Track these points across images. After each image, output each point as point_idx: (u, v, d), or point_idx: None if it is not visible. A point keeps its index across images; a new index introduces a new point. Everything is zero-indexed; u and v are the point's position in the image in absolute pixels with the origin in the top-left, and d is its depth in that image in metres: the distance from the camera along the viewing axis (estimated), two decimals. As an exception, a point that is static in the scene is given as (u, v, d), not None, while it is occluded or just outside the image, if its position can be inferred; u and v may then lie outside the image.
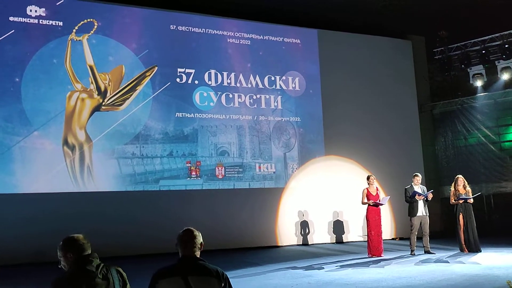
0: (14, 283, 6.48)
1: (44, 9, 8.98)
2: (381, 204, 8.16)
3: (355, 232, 10.92)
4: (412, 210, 8.15)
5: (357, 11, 11.17)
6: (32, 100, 8.71)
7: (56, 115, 8.85)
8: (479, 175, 11.89)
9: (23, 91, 8.67)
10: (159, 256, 8.69)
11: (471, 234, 8.03)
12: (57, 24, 9.06)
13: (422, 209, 8.11)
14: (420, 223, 8.12)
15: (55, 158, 8.72)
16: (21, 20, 8.80)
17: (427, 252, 8.04)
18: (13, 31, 8.69)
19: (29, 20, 8.87)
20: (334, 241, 10.72)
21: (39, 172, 8.57)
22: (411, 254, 8.04)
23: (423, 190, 8.22)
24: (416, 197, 8.04)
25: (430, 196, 8.15)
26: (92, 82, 9.22)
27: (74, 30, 9.15)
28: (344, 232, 10.87)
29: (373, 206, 8.10)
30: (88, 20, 9.28)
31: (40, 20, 8.95)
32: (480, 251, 7.95)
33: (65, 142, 8.86)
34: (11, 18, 8.73)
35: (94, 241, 8.98)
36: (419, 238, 8.22)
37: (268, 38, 10.95)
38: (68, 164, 8.82)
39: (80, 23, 9.21)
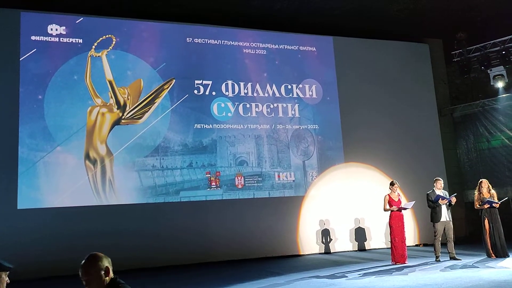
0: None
1: (64, 27, 9.22)
2: (405, 209, 8.04)
3: (378, 239, 10.77)
4: (435, 215, 8.00)
5: (372, 16, 11.13)
6: (55, 116, 8.92)
7: (77, 130, 9.03)
8: (504, 178, 11.63)
9: (45, 107, 8.89)
10: (181, 268, 8.77)
11: (497, 239, 7.84)
12: (77, 41, 9.28)
13: (445, 214, 7.96)
14: (444, 229, 7.96)
15: (77, 173, 8.88)
16: (42, 39, 9.06)
17: (452, 258, 7.88)
18: (35, 49, 8.95)
19: (50, 39, 9.11)
20: (357, 249, 10.60)
21: (62, 187, 8.73)
22: (436, 260, 7.89)
23: (445, 195, 8.07)
24: (440, 201, 7.90)
25: (453, 200, 7.99)
26: (111, 97, 9.40)
27: (93, 47, 9.36)
28: (366, 239, 10.74)
29: (396, 212, 7.99)
30: (107, 36, 9.49)
31: (61, 38, 9.19)
32: (508, 256, 7.75)
33: (87, 156, 9.03)
34: (33, 37, 8.99)
35: (117, 254, 9.09)
36: (444, 244, 8.06)
37: (284, 47, 11.00)
38: (90, 178, 8.97)
39: (99, 40, 9.42)
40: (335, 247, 10.48)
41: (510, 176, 11.64)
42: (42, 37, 9.07)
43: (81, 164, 8.96)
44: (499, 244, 7.83)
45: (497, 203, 7.95)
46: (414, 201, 8.43)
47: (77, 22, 9.34)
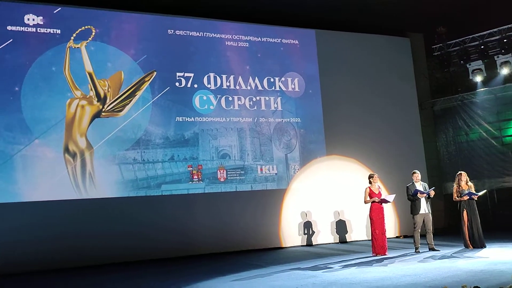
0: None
1: (41, 17, 9.00)
2: (386, 202, 8.11)
3: (359, 231, 10.89)
4: (414, 208, 8.12)
5: (354, 10, 11.17)
6: (32, 109, 8.73)
7: (56, 123, 8.86)
8: (482, 170, 11.87)
9: (23, 100, 8.69)
10: (162, 261, 8.73)
11: (475, 230, 7.99)
12: (55, 32, 9.08)
13: (424, 207, 8.08)
14: (423, 221, 8.09)
15: (56, 166, 8.73)
16: (19, 29, 8.83)
17: (431, 249, 8.02)
18: (11, 40, 8.72)
19: (27, 29, 8.89)
20: (338, 241, 10.70)
21: (41, 180, 8.57)
22: (415, 251, 8.01)
23: (425, 187, 8.18)
24: (419, 195, 8.02)
25: (432, 193, 8.11)
26: (91, 89, 9.24)
27: (72, 38, 9.17)
28: (347, 232, 10.84)
29: (376, 204, 8.06)
30: (86, 27, 9.31)
31: (38, 29, 8.97)
32: (485, 247, 7.92)
33: (66, 150, 8.87)
34: (9, 27, 8.76)
35: (96, 248, 8.98)
36: (423, 236, 8.19)
37: (266, 39, 10.96)
38: (69, 171, 8.82)
39: (78, 30, 9.23)
40: (317, 239, 10.56)
41: (488, 169, 11.88)
42: (19, 27, 8.84)
43: (60, 157, 8.80)
44: (476, 235, 7.99)
45: (476, 195, 8.09)
46: (394, 194, 8.52)
47: (55, 12, 9.13)
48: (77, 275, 7.62)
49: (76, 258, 8.38)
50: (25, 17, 8.90)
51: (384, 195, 8.19)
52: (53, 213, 8.47)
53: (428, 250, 8.02)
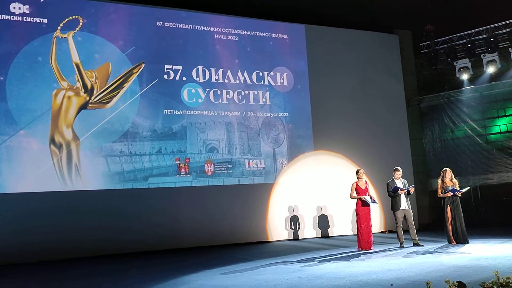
0: (0, 282, 6.40)
1: (28, 6, 8.85)
2: (367, 204, 8.11)
3: (345, 225, 10.98)
4: (395, 204, 8.25)
5: (344, 6, 11.18)
6: (17, 99, 8.59)
7: (42, 114, 8.74)
8: (466, 167, 12.04)
9: (8, 89, 8.55)
10: (149, 254, 8.70)
11: (459, 226, 8.12)
12: (41, 21, 8.93)
13: (404, 203, 8.21)
14: (404, 216, 8.21)
15: (42, 157, 8.62)
16: (4, 18, 8.66)
17: (415, 244, 8.12)
18: (-4, 28, 8.55)
19: (13, 18, 8.73)
20: (323, 235, 10.77)
21: (26, 172, 8.46)
22: (400, 247, 8.11)
23: (405, 184, 8.31)
24: (399, 191, 8.13)
25: (411, 190, 8.28)
26: (78, 80, 9.13)
27: (59, 28, 9.03)
28: (329, 226, 10.92)
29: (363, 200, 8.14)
30: (73, 17, 9.17)
31: (24, 18, 8.81)
32: (468, 243, 8.05)
33: (52, 141, 8.76)
34: (-6, 16, 8.59)
35: (83, 240, 8.88)
36: (406, 231, 8.30)
37: (256, 33, 10.93)
38: (55, 163, 8.73)
39: (65, 20, 9.09)
40: (303, 233, 10.63)
41: (472, 166, 12.06)
42: (4, 15, 8.67)
43: (46, 148, 8.69)
44: (460, 231, 8.11)
45: (460, 191, 8.21)
46: (377, 203, 8.61)
47: (41, 1, 8.97)
48: (62, 267, 7.57)
49: (61, 250, 8.31)
50: (11, 5, 8.73)
51: (368, 197, 8.16)
52: (38, 205, 8.37)
53: (412, 245, 8.12)
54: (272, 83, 10.94)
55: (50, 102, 8.85)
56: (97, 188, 8.97)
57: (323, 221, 10.90)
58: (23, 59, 8.71)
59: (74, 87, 9.08)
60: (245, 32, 10.84)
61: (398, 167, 8.47)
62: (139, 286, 5.62)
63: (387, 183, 8.33)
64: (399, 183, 8.26)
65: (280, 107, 10.95)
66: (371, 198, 8.18)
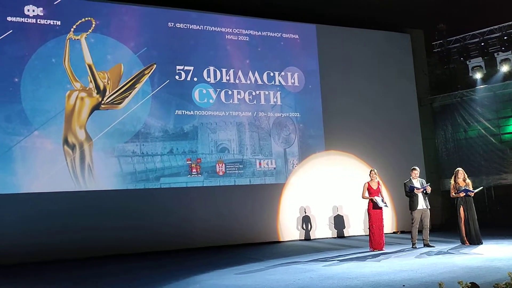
0: (15, 282, 6.50)
1: (41, 8, 8.97)
2: (378, 206, 8.05)
3: (357, 226, 10.94)
4: (412, 203, 8.16)
5: (355, 5, 11.14)
6: (32, 100, 8.72)
7: (55, 115, 8.85)
8: (480, 167, 11.91)
9: (22, 91, 8.67)
10: (161, 254, 8.76)
11: (472, 226, 8.03)
12: (55, 23, 9.05)
13: (422, 203, 8.11)
14: (421, 217, 8.13)
15: (55, 158, 8.73)
16: (19, 20, 8.80)
17: (426, 245, 8.05)
18: (11, 31, 8.69)
19: (27, 20, 8.86)
20: (336, 236, 10.74)
21: (40, 172, 8.58)
22: (412, 247, 8.05)
23: (422, 184, 8.21)
24: (415, 191, 8.06)
25: (428, 189, 8.15)
26: (91, 81, 9.23)
27: (72, 29, 9.14)
28: (345, 227, 10.89)
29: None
30: (86, 19, 9.27)
31: (38, 20, 8.94)
32: (482, 243, 7.97)
33: (65, 141, 8.87)
34: (9, 18, 8.72)
35: (96, 239, 8.98)
36: (420, 232, 8.23)
37: (267, 34, 10.94)
38: (68, 163, 8.83)
39: (78, 22, 9.20)
40: (315, 234, 10.60)
41: (486, 166, 11.92)
42: (19, 18, 8.81)
43: (59, 149, 8.80)
44: (473, 232, 8.03)
45: (472, 192, 8.12)
46: (387, 207, 8.54)
47: (55, 3, 9.09)
48: (75, 267, 7.66)
49: (74, 250, 8.41)
50: (25, 8, 8.86)
51: (380, 199, 8.11)
52: (51, 205, 8.48)
53: (423, 246, 8.06)
54: (283, 83, 10.94)
55: (64, 103, 8.96)
56: (110, 188, 9.06)
57: (337, 221, 10.86)
58: (37, 61, 8.84)
59: (87, 88, 9.18)
60: (256, 32, 10.85)
61: (416, 167, 8.40)
62: (151, 286, 5.66)
63: (404, 183, 8.25)
64: (416, 182, 8.17)
65: (291, 107, 10.94)
66: (382, 200, 8.12)
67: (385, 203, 8.21)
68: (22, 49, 8.76)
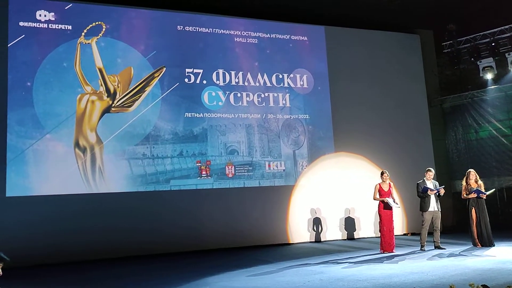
0: (28, 284, 6.57)
1: (53, 13, 9.09)
2: (390, 206, 8.02)
3: (367, 228, 10.89)
4: (424, 205, 8.10)
5: (364, 6, 11.11)
6: (44, 104, 8.83)
7: (67, 118, 8.96)
8: (491, 168, 11.79)
9: (34, 95, 8.79)
10: (171, 256, 8.81)
11: (484, 228, 7.97)
12: (66, 28, 9.16)
13: (434, 204, 8.06)
14: (432, 218, 8.07)
15: (67, 160, 8.83)
16: (31, 25, 8.92)
17: (437, 247, 8.00)
18: (23, 36, 8.82)
19: (39, 25, 8.98)
20: (346, 238, 10.71)
21: (51, 174, 8.68)
22: (420, 249, 8.00)
23: (435, 185, 8.16)
24: (428, 192, 8.00)
25: (442, 191, 8.08)
26: (101, 85, 9.32)
27: (83, 34, 9.25)
28: (355, 229, 10.85)
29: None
30: (97, 23, 9.38)
31: (50, 25, 9.06)
32: (494, 245, 7.90)
33: (77, 144, 8.97)
34: (21, 23, 8.85)
35: (106, 242, 9.05)
36: (430, 233, 8.18)
37: (275, 36, 10.96)
38: (80, 166, 8.92)
39: (89, 26, 9.30)
40: (325, 236, 10.58)
41: (497, 167, 11.80)
42: (31, 23, 8.93)
43: (71, 152, 8.90)
44: (485, 234, 7.96)
45: (484, 193, 8.05)
46: (399, 207, 8.49)
47: (66, 8, 9.21)
48: (87, 268, 7.73)
49: (86, 252, 8.49)
50: (37, 13, 8.99)
51: (391, 200, 8.08)
52: (63, 207, 8.57)
53: (434, 248, 8.01)
54: (292, 85, 10.95)
55: (75, 106, 9.06)
56: (120, 190, 9.13)
57: (348, 223, 10.82)
58: (48, 65, 8.95)
59: (98, 92, 9.27)
60: (265, 34, 10.88)
61: (431, 168, 8.37)
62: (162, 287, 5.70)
63: (417, 183, 8.20)
64: (430, 184, 8.12)
65: (300, 109, 10.94)
66: (394, 201, 8.09)
67: (397, 203, 8.19)
68: (34, 53, 8.88)
